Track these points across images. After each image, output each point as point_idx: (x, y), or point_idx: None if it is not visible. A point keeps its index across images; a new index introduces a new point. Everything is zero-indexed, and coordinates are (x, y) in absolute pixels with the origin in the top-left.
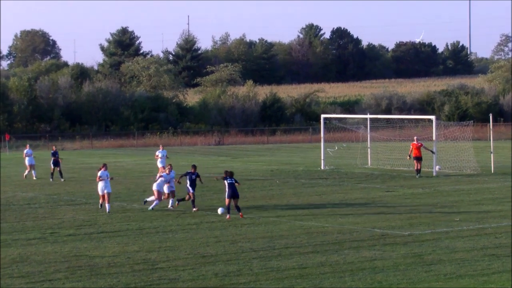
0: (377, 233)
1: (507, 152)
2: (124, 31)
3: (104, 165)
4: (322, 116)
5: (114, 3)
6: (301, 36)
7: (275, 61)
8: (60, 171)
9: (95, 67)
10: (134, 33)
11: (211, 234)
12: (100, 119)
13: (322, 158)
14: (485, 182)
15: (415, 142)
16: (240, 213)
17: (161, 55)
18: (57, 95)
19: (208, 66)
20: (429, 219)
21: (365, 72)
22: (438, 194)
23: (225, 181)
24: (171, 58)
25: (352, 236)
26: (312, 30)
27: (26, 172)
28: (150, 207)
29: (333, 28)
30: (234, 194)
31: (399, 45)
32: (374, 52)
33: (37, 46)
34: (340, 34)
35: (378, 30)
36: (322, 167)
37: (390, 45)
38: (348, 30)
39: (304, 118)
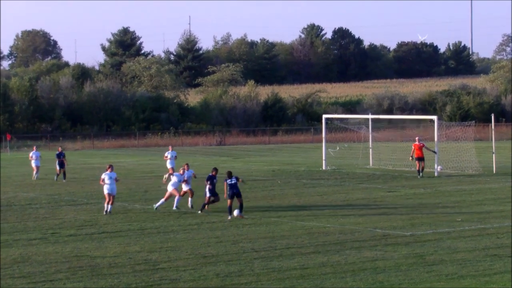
0: (379, 233)
1: (509, 152)
2: (125, 31)
3: (110, 166)
4: (324, 116)
5: (115, 3)
6: (303, 36)
7: (276, 61)
8: (64, 173)
9: (96, 67)
10: (135, 33)
11: (212, 235)
12: (101, 119)
13: (323, 158)
14: (487, 182)
15: (416, 142)
16: (240, 214)
17: (163, 55)
18: (58, 95)
19: (209, 66)
20: (430, 220)
21: (367, 72)
22: (440, 194)
23: (226, 182)
24: (172, 58)
25: (353, 237)
26: (313, 30)
27: (34, 174)
28: (174, 207)
29: (335, 28)
30: (234, 194)
31: (400, 45)
32: (376, 52)
33: (38, 46)
34: (342, 34)
35: (380, 30)
36: (323, 167)
37: (392, 45)
38: (350, 30)
39: (305, 118)
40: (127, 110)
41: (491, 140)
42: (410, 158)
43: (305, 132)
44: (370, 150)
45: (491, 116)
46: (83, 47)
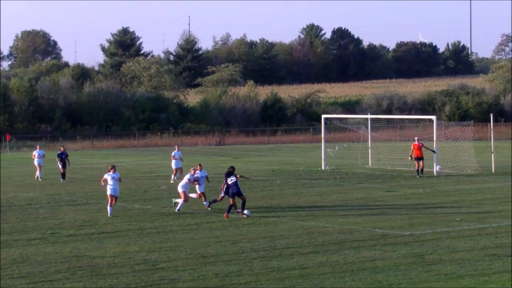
0: (378, 233)
1: (507, 152)
2: (125, 31)
3: (113, 167)
4: (323, 116)
5: (115, 4)
6: (302, 36)
7: (276, 61)
8: (64, 172)
9: (96, 68)
10: (135, 34)
11: (212, 234)
12: (101, 119)
13: (323, 158)
14: (486, 182)
15: (416, 142)
16: (238, 211)
17: (162, 55)
18: (58, 95)
19: (209, 67)
20: (429, 219)
21: (366, 72)
22: (439, 194)
23: (225, 181)
24: (172, 58)
25: (352, 236)
26: (313, 30)
27: (37, 173)
28: (176, 209)
29: (334, 28)
30: (233, 193)
31: (400, 45)
32: (375, 52)
33: (38, 46)
34: (341, 34)
35: (379, 30)
36: (323, 167)
37: (391, 45)
38: (349, 30)
39: (305, 118)
40: (127, 110)
41: (490, 139)
42: (409, 157)
43: (304, 132)
44: (369, 150)
45: (490, 116)
46: (83, 48)
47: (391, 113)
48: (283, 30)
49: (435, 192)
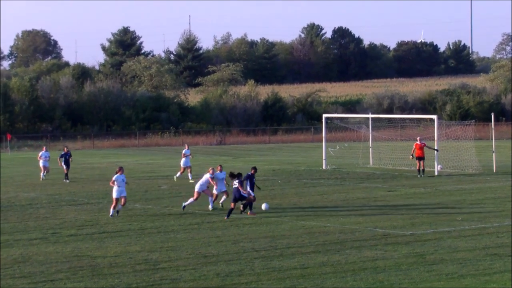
0: (379, 232)
1: (508, 151)
2: (125, 31)
3: (121, 169)
4: (324, 115)
5: (115, 3)
6: (303, 35)
7: (276, 61)
8: (67, 173)
9: (97, 67)
10: (135, 33)
11: (213, 234)
12: (102, 119)
13: (323, 157)
14: (487, 181)
15: (418, 142)
16: (249, 212)
17: (163, 55)
18: (59, 95)
19: (209, 66)
20: (431, 219)
21: (367, 71)
22: (440, 193)
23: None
24: (172, 58)
25: (354, 236)
26: (313, 30)
27: (42, 173)
28: (184, 204)
29: (335, 27)
30: (236, 198)
31: (400, 44)
32: (376, 51)
33: (38, 46)
34: (342, 33)
35: (380, 30)
36: (323, 167)
37: (392, 45)
38: (350, 30)
39: (305, 117)
40: (127, 109)
41: (491, 139)
42: (411, 156)
43: (305, 132)
44: (370, 149)
45: (491, 115)
46: (83, 47)
47: (392, 113)
48: (284, 30)
49: (436, 191)
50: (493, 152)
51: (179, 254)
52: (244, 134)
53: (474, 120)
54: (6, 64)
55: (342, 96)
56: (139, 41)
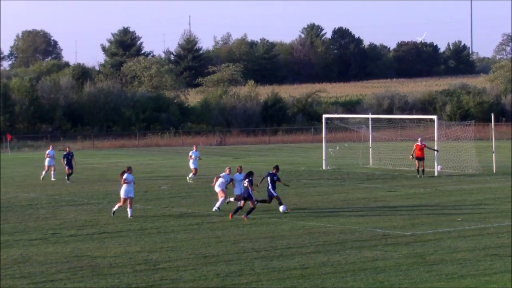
0: (379, 233)
1: (509, 152)
2: (125, 31)
3: (129, 168)
4: (324, 116)
5: (115, 3)
6: (303, 36)
7: (276, 61)
8: (70, 173)
9: (97, 68)
10: (135, 33)
11: (213, 234)
12: (102, 119)
13: (323, 158)
14: (487, 182)
15: (419, 143)
16: (243, 216)
17: (163, 55)
18: (59, 95)
19: (209, 66)
20: (431, 219)
21: (367, 72)
22: (440, 194)
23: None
24: (172, 58)
25: (354, 236)
26: (313, 30)
27: (43, 173)
28: (215, 207)
29: (335, 28)
30: (245, 197)
31: (400, 45)
32: (376, 52)
33: (38, 46)
34: (342, 34)
35: (380, 30)
36: (323, 167)
37: (392, 45)
38: (350, 30)
39: (305, 118)
40: (128, 110)
41: (491, 139)
42: (411, 157)
43: (305, 132)
44: (370, 149)
45: (491, 116)
46: (83, 48)
47: (392, 113)
48: (284, 30)
49: (436, 192)
50: (493, 152)
51: (179, 254)
52: (244, 134)
53: (474, 121)
54: (6, 64)
55: (342, 96)
56: (139, 42)
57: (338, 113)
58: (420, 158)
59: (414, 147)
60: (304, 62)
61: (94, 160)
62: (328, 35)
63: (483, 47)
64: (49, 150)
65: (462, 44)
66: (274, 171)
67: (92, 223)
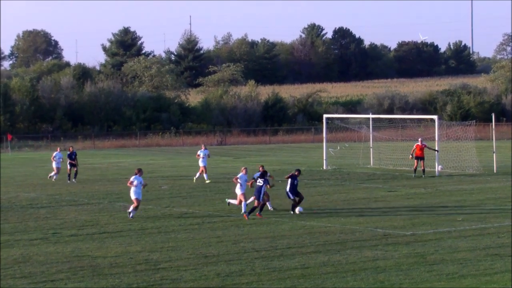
0: (380, 233)
1: (509, 152)
2: (126, 31)
3: (140, 170)
4: (324, 116)
5: (115, 3)
6: (303, 36)
7: (277, 61)
8: (76, 172)
9: (97, 67)
10: (136, 33)
11: (213, 234)
12: (102, 119)
13: (324, 158)
14: (488, 182)
15: (419, 143)
16: (258, 213)
17: (163, 55)
18: (59, 95)
19: (210, 66)
20: (431, 219)
21: (367, 72)
22: (441, 194)
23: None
24: (173, 58)
25: (354, 236)
26: (314, 30)
27: (53, 174)
28: (243, 211)
29: (335, 28)
30: (257, 196)
31: (401, 44)
32: (376, 51)
33: (39, 46)
34: (342, 34)
35: (380, 30)
36: (324, 167)
37: (392, 45)
38: (350, 30)
39: (306, 118)
40: (128, 110)
41: (492, 139)
42: (410, 156)
43: (306, 132)
44: (371, 149)
45: (492, 116)
46: (84, 47)
47: (392, 113)
48: (284, 30)
49: (437, 192)
50: (493, 152)
51: (180, 254)
52: (245, 134)
53: (474, 121)
54: (6, 64)
55: (343, 96)
56: (139, 42)
57: (339, 113)
58: (420, 158)
59: (415, 147)
60: (305, 62)
61: (95, 160)
62: (329, 35)
63: (484, 47)
64: (57, 152)
65: (463, 44)
66: (296, 173)
67: (93, 223)
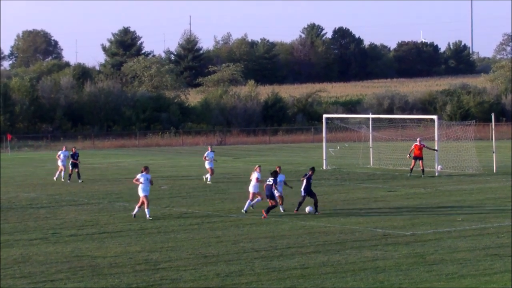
0: (379, 233)
1: (509, 151)
2: (125, 31)
3: (146, 168)
4: (324, 116)
5: (115, 3)
6: (303, 36)
7: (277, 61)
8: (78, 173)
9: (97, 67)
10: (135, 33)
11: (213, 234)
12: (102, 119)
13: (324, 158)
14: (487, 181)
15: (418, 143)
16: (264, 214)
17: (163, 55)
18: (59, 95)
19: (210, 66)
20: (431, 219)
21: (367, 71)
22: (440, 194)
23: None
24: (172, 58)
25: (354, 236)
26: (314, 30)
27: (61, 173)
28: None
29: (335, 27)
30: (267, 194)
31: (401, 44)
32: (376, 51)
33: (38, 46)
34: (342, 33)
35: (380, 30)
36: (324, 167)
37: (392, 45)
38: (350, 30)
39: (306, 118)
40: (128, 110)
41: (492, 139)
42: (408, 155)
43: (306, 132)
44: (371, 149)
45: (492, 116)
46: (84, 47)
47: (392, 113)
48: (284, 30)
49: (437, 192)
50: (493, 152)
51: (179, 254)
52: (245, 134)
53: (474, 121)
54: (6, 64)
55: (343, 96)
56: (139, 41)
57: (339, 113)
58: (419, 158)
59: (413, 146)
60: (305, 62)
61: (95, 160)
62: (329, 35)
63: (484, 47)
64: (62, 151)
65: (463, 44)
66: (310, 173)
67: (92, 223)
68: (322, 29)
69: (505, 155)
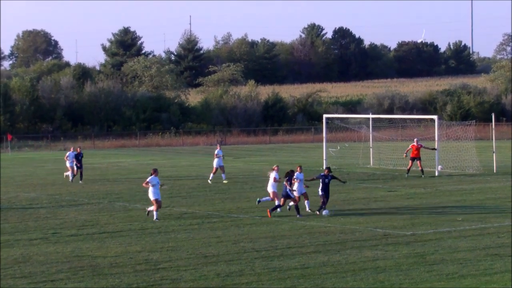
0: (379, 233)
1: (509, 151)
2: (126, 31)
3: (155, 171)
4: (324, 116)
5: (115, 3)
6: (303, 36)
7: (277, 61)
8: (81, 173)
9: (97, 67)
10: (136, 33)
11: (213, 234)
12: (102, 119)
13: (324, 158)
14: (488, 181)
15: (415, 144)
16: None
17: (163, 55)
18: (59, 95)
19: (210, 66)
20: (431, 219)
21: (367, 71)
22: (440, 194)
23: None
24: (173, 58)
25: (354, 236)
26: (314, 30)
27: (69, 173)
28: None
29: (335, 27)
30: (283, 194)
31: (401, 44)
32: (376, 51)
33: (39, 46)
34: (342, 33)
35: (380, 30)
36: (324, 167)
37: (392, 45)
38: (350, 30)
39: (306, 118)
40: (128, 110)
41: (492, 139)
42: (404, 155)
43: (306, 132)
44: (371, 149)
45: (492, 116)
46: (84, 47)
47: (392, 113)
48: (284, 30)
49: (437, 192)
50: (493, 152)
51: (180, 254)
52: (245, 134)
53: (474, 121)
54: (6, 64)
55: (343, 96)
56: (139, 41)
57: (339, 113)
58: (417, 158)
59: (410, 147)
60: (305, 62)
61: (95, 160)
62: (329, 35)
63: (484, 47)
64: (70, 152)
65: (463, 44)
66: (326, 172)
67: (93, 223)
68: (322, 29)
69: (505, 155)
